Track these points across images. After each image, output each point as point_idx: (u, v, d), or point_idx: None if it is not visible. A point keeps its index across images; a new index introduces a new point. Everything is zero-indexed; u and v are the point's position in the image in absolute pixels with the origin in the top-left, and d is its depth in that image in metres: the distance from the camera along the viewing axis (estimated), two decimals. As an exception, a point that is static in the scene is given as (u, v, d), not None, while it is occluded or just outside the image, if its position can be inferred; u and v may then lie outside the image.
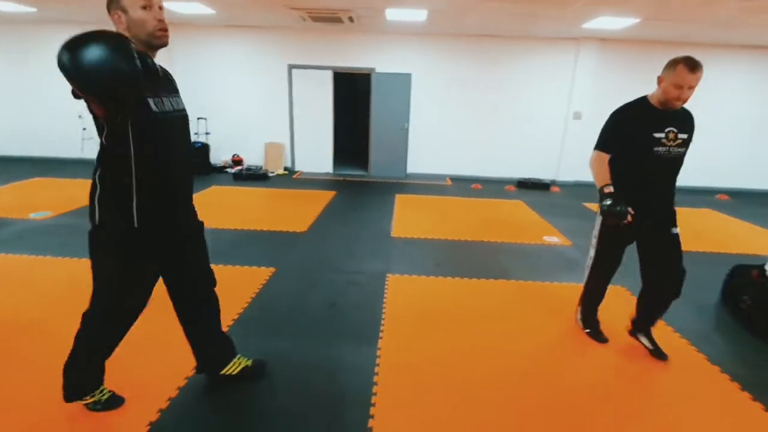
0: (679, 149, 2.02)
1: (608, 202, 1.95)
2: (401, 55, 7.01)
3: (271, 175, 7.06)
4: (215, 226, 4.19)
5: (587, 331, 2.49)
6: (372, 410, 1.82)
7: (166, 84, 1.53)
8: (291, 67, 7.05)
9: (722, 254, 4.04)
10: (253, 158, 7.44)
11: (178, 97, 1.58)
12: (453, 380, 2.06)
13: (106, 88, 1.09)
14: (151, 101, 1.38)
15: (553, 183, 7.42)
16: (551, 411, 1.89)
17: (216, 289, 1.79)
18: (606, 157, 2.08)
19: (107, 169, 1.42)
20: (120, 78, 1.08)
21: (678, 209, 2.13)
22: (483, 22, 5.86)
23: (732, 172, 7.38)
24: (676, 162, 2.05)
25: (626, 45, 6.81)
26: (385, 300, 2.84)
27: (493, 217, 5.15)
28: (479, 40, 6.92)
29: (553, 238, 4.38)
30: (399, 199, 5.80)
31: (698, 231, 4.80)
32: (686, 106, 2.03)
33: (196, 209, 1.68)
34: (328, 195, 5.79)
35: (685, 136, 2.03)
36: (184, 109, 1.58)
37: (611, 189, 1.98)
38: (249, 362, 1.98)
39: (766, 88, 7.01)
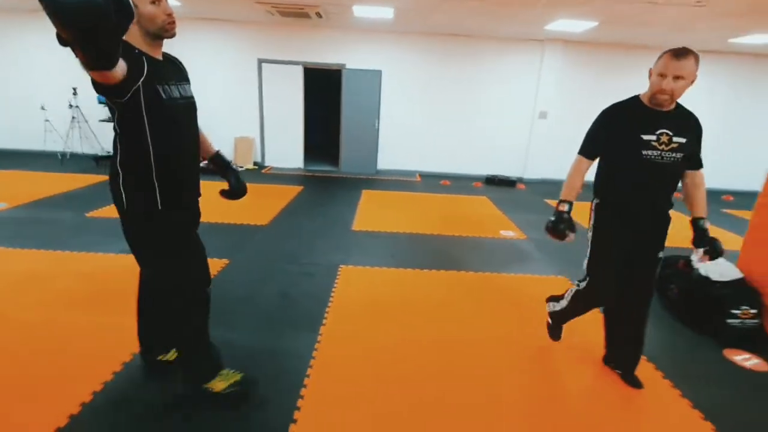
0: (674, 154, 1.77)
1: (552, 218, 1.90)
2: (372, 51, 7.08)
3: (240, 169, 7.04)
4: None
5: (549, 322, 2.37)
6: (303, 391, 1.90)
7: (173, 71, 1.57)
8: (261, 61, 7.03)
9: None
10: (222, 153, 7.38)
11: (187, 84, 1.62)
12: (385, 363, 2.15)
13: (80, 16, 1.01)
14: (159, 88, 1.42)
15: (520, 180, 7.63)
16: (489, 401, 2.00)
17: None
18: (585, 164, 1.93)
19: (127, 155, 1.46)
20: (91, 4, 1.01)
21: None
22: (450, 22, 5.98)
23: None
24: (671, 168, 1.81)
25: (589, 47, 7.05)
26: (334, 290, 2.92)
27: (456, 212, 5.29)
28: (448, 39, 7.05)
29: (510, 232, 4.53)
30: (365, 194, 5.89)
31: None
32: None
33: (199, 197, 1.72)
34: (296, 190, 5.83)
35: (682, 139, 1.77)
36: (191, 97, 1.62)
37: (565, 207, 1.91)
38: None
39: (715, 91, 7.36)
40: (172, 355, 1.97)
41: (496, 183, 7.27)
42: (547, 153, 7.43)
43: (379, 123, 7.33)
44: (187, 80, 1.64)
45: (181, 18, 6.71)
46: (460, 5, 4.93)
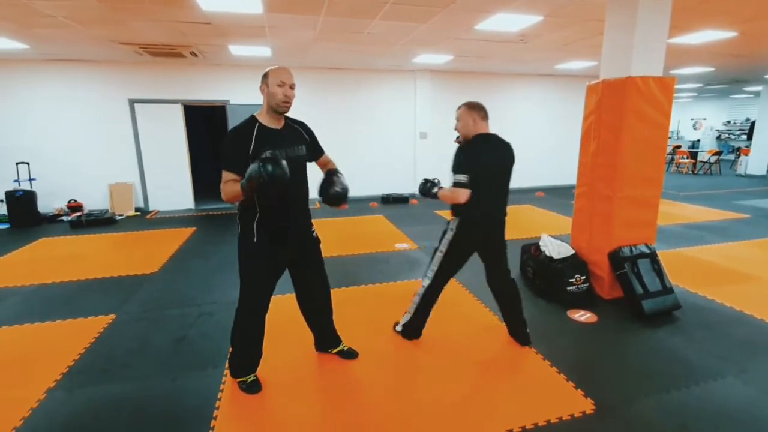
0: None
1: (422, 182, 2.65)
2: (255, 86, 7.10)
3: (119, 218, 6.44)
4: (41, 282, 3.74)
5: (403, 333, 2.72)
6: (213, 423, 1.92)
7: (289, 136, 2.04)
8: (133, 101, 6.64)
9: (529, 239, 5.08)
10: (95, 202, 6.70)
11: (299, 145, 2.07)
12: (298, 386, 2.27)
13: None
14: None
15: (413, 196, 8.29)
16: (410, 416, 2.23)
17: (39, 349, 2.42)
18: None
19: (244, 200, 1.96)
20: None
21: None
22: (326, 57, 6.39)
23: (544, 173, 9.21)
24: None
25: (452, 75, 8.12)
26: (237, 324, 2.93)
27: (354, 232, 5.57)
28: (329, 72, 7.49)
29: (404, 245, 4.95)
30: (264, 226, 5.85)
31: (516, 223, 5.93)
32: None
33: (312, 229, 2.26)
34: (187, 232, 5.56)
35: None
36: (301, 156, 2.08)
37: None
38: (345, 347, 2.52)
39: (552, 106, 9.00)
40: (343, 346, 2.50)
41: (391, 201, 7.79)
42: (433, 168, 8.26)
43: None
44: (303, 142, 2.11)
45: (32, 60, 6.09)
46: (328, 45, 5.36)
